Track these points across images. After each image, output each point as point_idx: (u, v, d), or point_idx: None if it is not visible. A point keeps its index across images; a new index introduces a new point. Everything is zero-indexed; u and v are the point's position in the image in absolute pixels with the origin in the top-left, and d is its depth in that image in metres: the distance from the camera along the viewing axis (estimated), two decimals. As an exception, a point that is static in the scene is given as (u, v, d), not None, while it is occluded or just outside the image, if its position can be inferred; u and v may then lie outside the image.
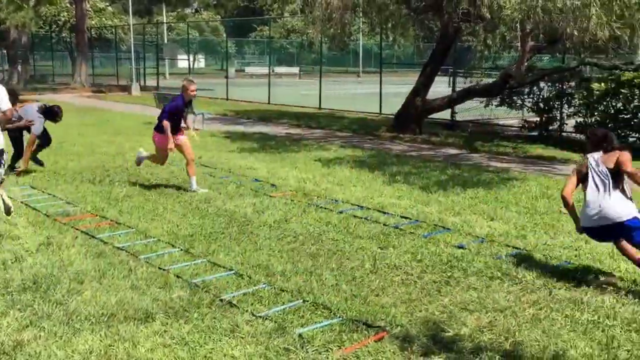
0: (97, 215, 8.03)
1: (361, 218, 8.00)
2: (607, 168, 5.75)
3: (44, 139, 10.84)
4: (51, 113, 10.65)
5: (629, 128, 14.00)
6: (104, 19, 47.73)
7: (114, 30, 43.04)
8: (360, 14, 17.69)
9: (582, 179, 5.91)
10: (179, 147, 9.54)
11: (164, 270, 6.00)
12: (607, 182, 5.71)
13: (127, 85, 32.75)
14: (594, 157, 5.88)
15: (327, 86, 25.88)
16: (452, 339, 4.68)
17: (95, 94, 31.63)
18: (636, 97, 13.53)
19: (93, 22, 44.85)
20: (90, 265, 6.12)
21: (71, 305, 5.16)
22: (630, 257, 5.75)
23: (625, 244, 5.71)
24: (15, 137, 10.50)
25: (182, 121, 9.75)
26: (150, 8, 48.17)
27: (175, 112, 9.42)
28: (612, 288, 5.68)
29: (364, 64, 53.03)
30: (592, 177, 5.80)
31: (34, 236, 7.06)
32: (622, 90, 13.53)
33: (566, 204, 6.00)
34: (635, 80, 13.24)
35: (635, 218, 5.64)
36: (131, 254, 6.48)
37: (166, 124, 9.28)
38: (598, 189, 5.73)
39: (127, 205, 8.54)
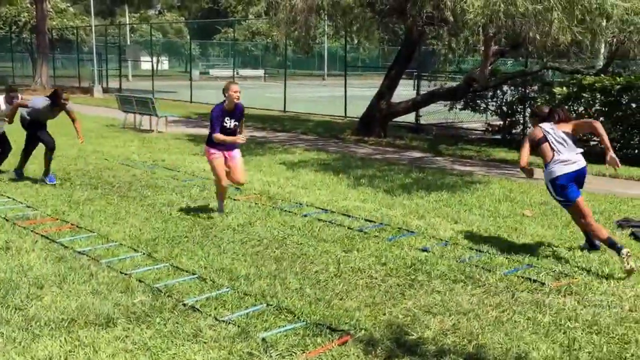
0: (57, 219, 7.89)
1: (325, 221, 7.99)
2: (563, 132, 6.72)
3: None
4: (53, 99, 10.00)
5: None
6: (65, 20, 47.09)
7: (75, 31, 42.44)
8: (325, 17, 17.68)
9: (536, 145, 6.81)
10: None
11: (125, 274, 5.92)
12: (567, 142, 6.68)
13: (89, 87, 32.40)
14: (548, 126, 6.82)
15: (292, 89, 25.86)
16: (415, 342, 4.68)
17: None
18: (597, 101, 13.74)
19: (54, 23, 44.22)
20: (51, 269, 6.01)
21: (30, 310, 5.06)
22: (584, 217, 6.63)
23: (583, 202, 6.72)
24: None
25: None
26: (112, 9, 47.73)
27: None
28: (573, 290, 5.75)
29: (329, 67, 53.15)
30: (552, 140, 6.70)
31: (-8, 240, 6.92)
32: (584, 95, 13.73)
33: (524, 170, 6.95)
34: (597, 85, 13.44)
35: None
36: (92, 258, 6.38)
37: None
38: (564, 146, 6.65)
39: (88, 208, 8.41)
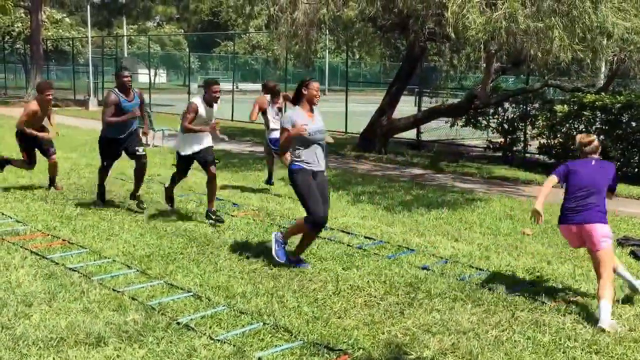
0: (48, 235, 7.73)
1: (324, 238, 7.86)
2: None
3: None
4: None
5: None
6: (61, 30, 47.00)
7: (71, 42, 42.31)
8: (327, 31, 17.65)
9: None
10: None
11: (118, 292, 5.79)
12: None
13: (84, 100, 32.14)
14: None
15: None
16: (415, 364, 4.56)
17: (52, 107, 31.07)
18: (598, 119, 13.69)
19: (49, 34, 44.08)
20: (40, 287, 5.87)
21: (18, 329, 4.93)
22: None
23: None
24: None
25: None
26: (110, 20, 47.47)
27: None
28: (572, 309, 5.65)
29: (329, 81, 53.14)
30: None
31: (-19, 256, 6.78)
32: (585, 113, 13.67)
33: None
34: (597, 103, 13.39)
35: None
36: (84, 275, 6.24)
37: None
38: None
39: (80, 224, 8.26)
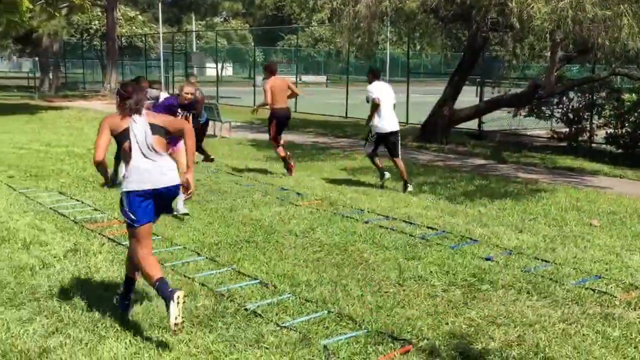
0: (124, 222, 8.01)
1: (387, 228, 7.93)
2: None
3: None
4: None
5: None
6: (134, 27, 48.16)
7: (143, 38, 43.41)
8: (388, 23, 17.63)
9: None
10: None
11: (189, 278, 5.99)
12: None
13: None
14: None
15: (354, 95, 25.82)
16: (479, 354, 4.60)
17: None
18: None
19: (123, 31, 45.25)
20: (117, 272, 6.13)
21: (97, 312, 5.16)
22: None
23: None
24: None
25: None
26: (179, 17, 48.57)
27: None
28: (644, 303, 5.56)
29: (390, 73, 52.83)
30: None
31: (62, 242, 7.10)
32: (654, 101, 13.34)
33: None
34: (667, 91, 13.06)
35: None
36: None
37: None
38: None
39: (153, 212, 8.54)
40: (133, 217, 4.84)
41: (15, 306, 5.31)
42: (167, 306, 4.45)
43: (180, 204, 8.02)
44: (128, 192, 4.81)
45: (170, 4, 44.83)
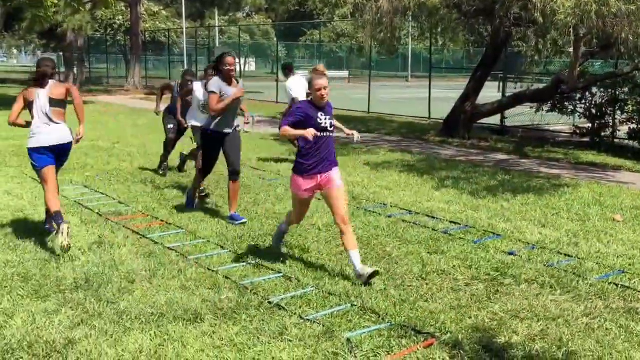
0: (148, 215, 8.14)
1: (410, 223, 7.95)
2: None
3: None
4: None
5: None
6: (157, 22, 48.48)
7: (167, 33, 43.67)
8: (410, 18, 17.59)
9: None
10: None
11: (213, 271, 6.04)
12: None
13: (180, 87, 33.06)
14: None
15: (376, 90, 25.83)
16: (502, 347, 4.60)
17: (148, 95, 32.06)
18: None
19: (147, 26, 45.57)
20: (141, 264, 6.20)
21: (122, 304, 5.23)
22: None
23: None
24: None
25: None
26: (202, 12, 48.78)
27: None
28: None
29: (413, 68, 52.77)
30: None
31: (87, 235, 7.19)
32: (678, 97, 13.20)
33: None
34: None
35: None
36: (181, 254, 6.54)
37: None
38: None
39: (177, 206, 8.64)
40: (35, 163, 6.79)
41: (41, 298, 5.39)
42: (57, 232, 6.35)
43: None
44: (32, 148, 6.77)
45: (193, -1, 45.07)
